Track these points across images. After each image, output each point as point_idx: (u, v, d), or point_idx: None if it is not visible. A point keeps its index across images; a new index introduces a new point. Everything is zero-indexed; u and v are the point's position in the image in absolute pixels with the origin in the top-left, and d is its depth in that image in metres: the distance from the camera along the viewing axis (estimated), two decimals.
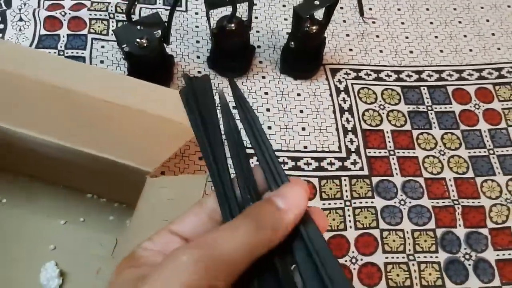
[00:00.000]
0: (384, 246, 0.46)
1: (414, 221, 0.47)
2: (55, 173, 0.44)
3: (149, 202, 0.34)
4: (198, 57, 0.54)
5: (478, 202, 0.48)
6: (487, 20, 0.61)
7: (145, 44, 0.47)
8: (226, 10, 0.51)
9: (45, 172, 0.45)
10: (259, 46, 0.56)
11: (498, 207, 0.48)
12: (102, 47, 0.53)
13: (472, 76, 0.56)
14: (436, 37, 0.59)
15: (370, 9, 0.60)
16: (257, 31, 0.57)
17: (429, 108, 0.54)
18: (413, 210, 0.48)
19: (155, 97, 0.39)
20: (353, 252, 0.45)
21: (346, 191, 0.48)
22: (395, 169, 0.50)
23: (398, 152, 0.51)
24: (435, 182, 0.49)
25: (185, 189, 0.35)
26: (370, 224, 0.47)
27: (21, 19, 0.54)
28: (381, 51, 0.57)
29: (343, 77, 0.55)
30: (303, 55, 0.53)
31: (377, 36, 0.58)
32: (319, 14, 0.50)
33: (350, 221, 0.47)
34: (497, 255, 0.46)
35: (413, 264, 0.45)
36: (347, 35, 0.58)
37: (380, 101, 0.54)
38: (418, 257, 0.45)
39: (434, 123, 0.53)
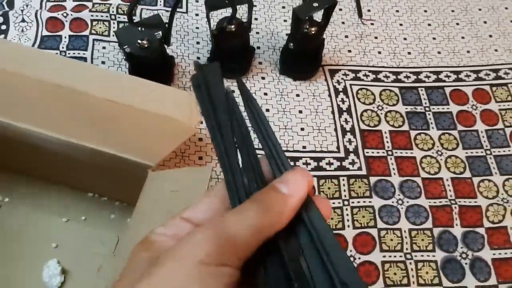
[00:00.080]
0: (381, 245, 0.46)
1: (412, 221, 0.48)
2: (57, 172, 0.45)
3: (150, 196, 0.35)
4: (198, 58, 0.55)
5: (475, 202, 0.49)
6: (485, 22, 0.61)
7: (146, 45, 0.47)
8: (226, 12, 0.52)
9: (47, 171, 0.45)
10: (258, 47, 0.57)
11: (495, 206, 0.49)
12: (104, 48, 0.54)
13: (470, 77, 0.57)
14: (434, 38, 0.59)
15: (369, 10, 0.61)
16: (257, 32, 0.58)
17: (427, 109, 0.54)
18: (410, 209, 0.48)
19: (156, 96, 0.40)
20: (351, 251, 0.46)
21: (345, 190, 0.49)
22: (393, 169, 0.50)
23: (396, 152, 0.51)
24: (433, 182, 0.50)
25: (187, 182, 0.35)
26: (368, 223, 0.47)
27: (23, 20, 0.54)
28: (379, 53, 0.58)
29: (342, 78, 0.55)
30: (302, 56, 0.53)
31: (376, 38, 0.59)
32: (318, 16, 0.51)
33: (348, 220, 0.47)
34: (494, 254, 0.47)
35: (410, 263, 0.46)
36: (346, 36, 0.59)
37: (378, 102, 0.54)
38: (415, 256, 0.46)
39: (431, 123, 0.53)
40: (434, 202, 0.49)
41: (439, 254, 0.46)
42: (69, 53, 0.53)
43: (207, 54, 0.55)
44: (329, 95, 0.54)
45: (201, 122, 0.51)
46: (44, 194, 0.46)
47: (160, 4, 0.58)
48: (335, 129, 0.52)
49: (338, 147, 0.51)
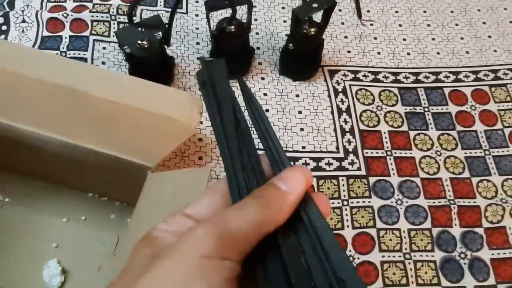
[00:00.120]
0: (380, 245, 0.46)
1: (411, 221, 0.48)
2: (57, 172, 0.45)
3: (150, 196, 0.35)
4: (198, 58, 0.55)
5: (474, 202, 0.49)
6: (484, 23, 0.61)
7: (146, 46, 0.47)
8: (226, 12, 0.52)
9: (47, 172, 0.45)
10: (258, 48, 0.57)
11: (494, 207, 0.49)
12: (104, 48, 0.54)
13: (469, 78, 0.57)
14: (433, 39, 0.60)
15: (368, 11, 0.61)
16: (257, 33, 0.58)
17: (426, 109, 0.55)
18: (409, 209, 0.48)
19: (156, 96, 0.40)
20: (350, 251, 0.46)
21: (344, 190, 0.49)
22: (392, 169, 0.50)
23: (395, 153, 0.51)
24: (432, 182, 0.50)
25: (187, 183, 0.35)
26: (367, 224, 0.47)
27: (24, 21, 0.54)
28: (378, 53, 0.58)
29: (341, 79, 0.56)
30: (302, 57, 0.53)
31: (375, 38, 0.59)
32: (318, 16, 0.51)
33: (347, 220, 0.47)
34: (492, 254, 0.47)
35: (409, 263, 0.46)
36: (345, 37, 0.59)
37: (377, 102, 0.54)
38: (414, 256, 0.46)
39: (430, 124, 0.54)
40: (433, 202, 0.49)
41: (438, 254, 0.46)
42: (69, 54, 0.53)
43: (207, 55, 0.55)
44: (329, 96, 0.54)
45: (201, 123, 0.51)
46: (44, 194, 0.46)
47: (160, 5, 0.58)
48: (335, 130, 0.52)
49: (337, 147, 0.51)
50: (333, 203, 0.48)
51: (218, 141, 0.23)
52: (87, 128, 0.38)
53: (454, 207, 0.49)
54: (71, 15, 0.55)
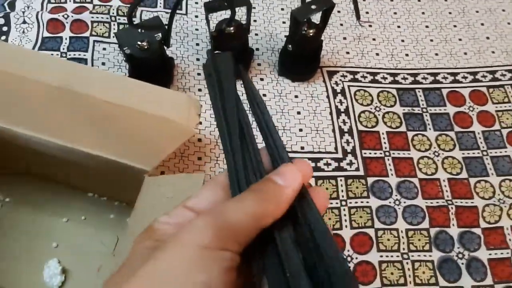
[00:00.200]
0: (379, 245, 0.47)
1: (409, 221, 0.48)
2: (57, 173, 0.45)
3: (147, 200, 0.35)
4: (197, 59, 0.55)
5: (472, 202, 0.49)
6: (482, 24, 0.62)
7: (146, 47, 0.48)
8: (225, 14, 0.52)
9: (47, 172, 0.46)
10: (257, 49, 0.57)
11: (491, 207, 0.49)
12: (104, 49, 0.55)
13: (467, 79, 0.57)
14: (432, 40, 0.60)
15: (367, 12, 0.61)
16: (256, 34, 0.58)
17: (424, 110, 0.55)
18: (407, 210, 0.49)
19: (155, 98, 0.40)
20: (348, 250, 0.46)
21: (342, 191, 0.49)
22: (390, 169, 0.51)
23: (393, 153, 0.52)
24: (429, 182, 0.50)
25: (183, 187, 0.36)
26: (365, 224, 0.48)
27: (24, 22, 0.55)
28: (377, 54, 0.58)
29: (340, 80, 0.56)
30: (301, 58, 0.54)
31: (374, 39, 0.59)
32: (316, 18, 0.52)
33: (345, 220, 0.48)
34: (490, 254, 0.47)
35: (407, 263, 0.46)
36: (344, 38, 0.59)
37: (376, 103, 0.55)
38: (412, 255, 0.46)
39: (428, 124, 0.54)
40: (431, 203, 0.49)
41: (436, 254, 0.47)
42: (69, 55, 0.53)
43: (206, 56, 0.56)
44: (327, 96, 0.55)
45: (200, 123, 0.51)
46: (45, 194, 0.46)
47: (160, 6, 0.59)
48: (333, 130, 0.52)
49: (336, 148, 0.51)
50: (331, 203, 0.48)
51: (220, 134, 0.24)
52: (85, 130, 0.39)
53: (452, 208, 0.49)
54: (72, 16, 0.55)
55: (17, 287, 0.42)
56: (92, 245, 0.44)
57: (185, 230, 0.20)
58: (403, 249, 0.47)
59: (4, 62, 0.40)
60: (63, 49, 0.54)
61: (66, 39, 0.54)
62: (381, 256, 0.46)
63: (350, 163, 0.51)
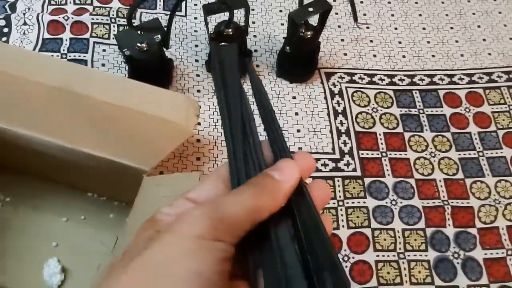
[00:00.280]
0: (375, 244, 0.47)
1: (405, 221, 0.49)
2: (56, 173, 0.46)
3: (145, 199, 0.36)
4: (196, 60, 0.56)
5: (467, 203, 0.50)
6: (478, 26, 0.62)
7: (145, 48, 0.48)
8: (224, 16, 0.53)
9: (47, 172, 0.46)
10: (256, 50, 0.58)
11: (487, 207, 0.50)
12: (104, 50, 0.55)
13: (463, 81, 0.58)
14: (428, 42, 0.60)
15: (365, 14, 0.62)
16: (254, 36, 0.59)
17: (421, 111, 0.55)
18: (404, 210, 0.49)
19: (153, 98, 0.41)
20: (345, 250, 0.47)
21: (339, 191, 0.50)
22: (387, 170, 0.51)
23: (390, 154, 0.52)
24: (426, 183, 0.51)
25: (180, 186, 0.36)
26: (362, 224, 0.48)
27: (25, 23, 0.55)
28: (374, 56, 0.59)
29: (338, 81, 0.56)
30: (299, 60, 0.54)
31: (371, 41, 0.60)
32: (314, 20, 0.52)
33: (342, 220, 0.48)
34: (485, 254, 0.48)
35: (403, 262, 0.47)
36: (342, 40, 0.60)
37: (373, 104, 0.55)
38: (408, 255, 0.47)
39: (425, 125, 0.54)
40: (427, 203, 0.50)
41: (432, 253, 0.47)
42: (70, 56, 0.54)
43: (205, 57, 0.56)
44: (325, 98, 0.55)
45: (199, 124, 0.52)
46: (45, 194, 0.46)
47: (160, 8, 0.59)
48: (331, 131, 0.53)
49: (333, 149, 0.52)
50: (328, 203, 0.49)
51: (223, 126, 0.24)
52: (85, 130, 0.39)
53: (447, 208, 0.50)
54: (72, 18, 0.56)
55: (17, 285, 0.43)
56: (92, 244, 0.44)
57: (181, 220, 0.20)
58: (399, 248, 0.47)
59: (5, 63, 0.41)
60: (63, 50, 0.54)
61: (66, 40, 0.55)
62: (378, 256, 0.47)
63: (347, 164, 0.51)
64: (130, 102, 0.40)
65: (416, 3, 0.64)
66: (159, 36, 0.49)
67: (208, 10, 0.49)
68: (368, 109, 0.55)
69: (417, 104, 0.56)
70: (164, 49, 0.51)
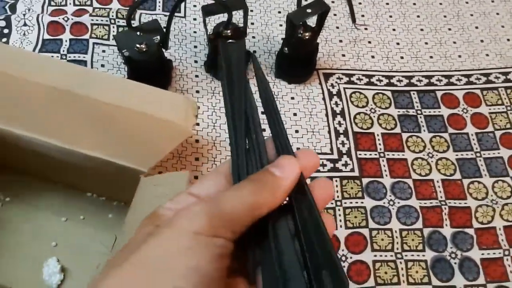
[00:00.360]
0: (373, 244, 0.47)
1: (402, 221, 0.49)
2: (56, 173, 0.46)
3: (143, 199, 0.36)
4: (195, 61, 0.56)
5: (465, 203, 0.50)
6: (476, 27, 0.63)
7: (145, 49, 0.48)
8: (223, 17, 0.53)
9: (46, 172, 0.46)
10: (254, 51, 0.58)
11: (484, 208, 0.50)
12: (103, 51, 0.55)
13: (461, 81, 0.58)
14: (426, 43, 0.61)
15: (363, 16, 0.62)
16: (253, 37, 0.59)
17: (419, 112, 0.56)
18: (401, 210, 0.49)
19: (152, 99, 0.41)
20: (343, 250, 0.47)
21: (337, 191, 0.50)
22: (385, 170, 0.51)
23: (388, 154, 0.52)
24: (423, 183, 0.51)
25: (176, 185, 0.36)
26: (359, 224, 0.48)
27: (25, 24, 0.55)
28: (372, 57, 0.59)
29: (336, 82, 0.57)
30: (297, 61, 0.55)
31: (369, 42, 0.60)
32: (313, 21, 0.52)
33: (340, 220, 0.48)
34: (482, 254, 0.48)
35: (400, 262, 0.47)
36: (340, 41, 0.60)
37: (371, 105, 0.55)
38: (406, 255, 0.47)
39: (423, 126, 0.55)
40: (425, 203, 0.50)
41: (429, 253, 0.47)
42: (69, 57, 0.54)
43: (204, 58, 0.56)
44: (323, 98, 0.55)
45: (198, 124, 0.52)
46: (44, 194, 0.47)
47: (159, 9, 0.60)
48: (329, 132, 0.53)
49: (331, 149, 0.52)
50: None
51: (227, 123, 0.24)
52: (84, 130, 0.39)
53: (445, 208, 0.50)
54: (72, 19, 0.56)
55: (17, 285, 0.43)
56: (91, 244, 0.45)
57: (180, 215, 0.20)
58: (397, 249, 0.47)
59: (5, 64, 0.41)
60: (63, 51, 0.54)
61: (66, 41, 0.55)
62: (375, 256, 0.47)
63: (345, 164, 0.51)
64: (129, 103, 0.40)
65: (414, 4, 0.64)
66: (158, 37, 0.49)
67: (207, 11, 0.50)
68: (366, 110, 0.55)
69: (415, 105, 0.56)
70: (163, 50, 0.52)
